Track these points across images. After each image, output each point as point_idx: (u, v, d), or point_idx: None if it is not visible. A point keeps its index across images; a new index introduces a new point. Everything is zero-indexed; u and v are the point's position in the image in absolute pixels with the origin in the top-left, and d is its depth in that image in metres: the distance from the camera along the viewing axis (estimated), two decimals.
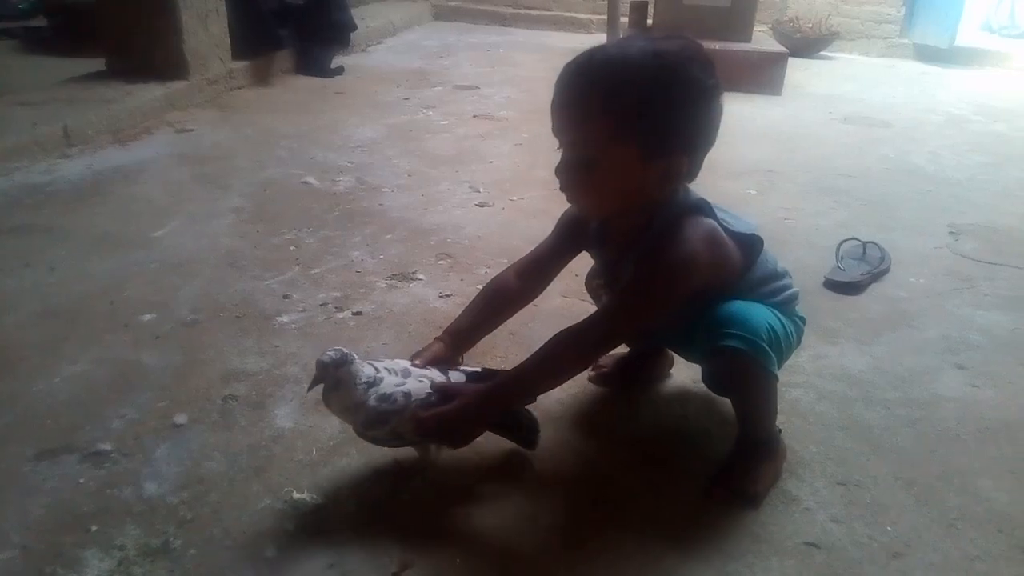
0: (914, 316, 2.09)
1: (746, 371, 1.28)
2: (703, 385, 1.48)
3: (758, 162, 3.39)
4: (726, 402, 1.50)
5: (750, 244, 1.33)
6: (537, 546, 1.26)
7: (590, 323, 1.26)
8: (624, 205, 1.27)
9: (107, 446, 1.43)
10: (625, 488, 1.39)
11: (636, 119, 1.15)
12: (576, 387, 1.65)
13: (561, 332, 1.27)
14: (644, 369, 1.70)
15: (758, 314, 1.28)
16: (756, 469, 1.39)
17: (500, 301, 1.46)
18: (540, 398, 1.40)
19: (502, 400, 1.30)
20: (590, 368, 1.65)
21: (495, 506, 1.34)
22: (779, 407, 1.41)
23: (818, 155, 3.58)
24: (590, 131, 1.18)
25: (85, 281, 2.02)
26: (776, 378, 1.33)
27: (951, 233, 2.68)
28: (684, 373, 1.71)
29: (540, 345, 1.28)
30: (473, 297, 1.49)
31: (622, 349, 1.68)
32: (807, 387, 1.74)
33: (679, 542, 1.28)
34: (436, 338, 1.43)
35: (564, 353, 1.26)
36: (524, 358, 1.30)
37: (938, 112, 4.66)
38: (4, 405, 1.52)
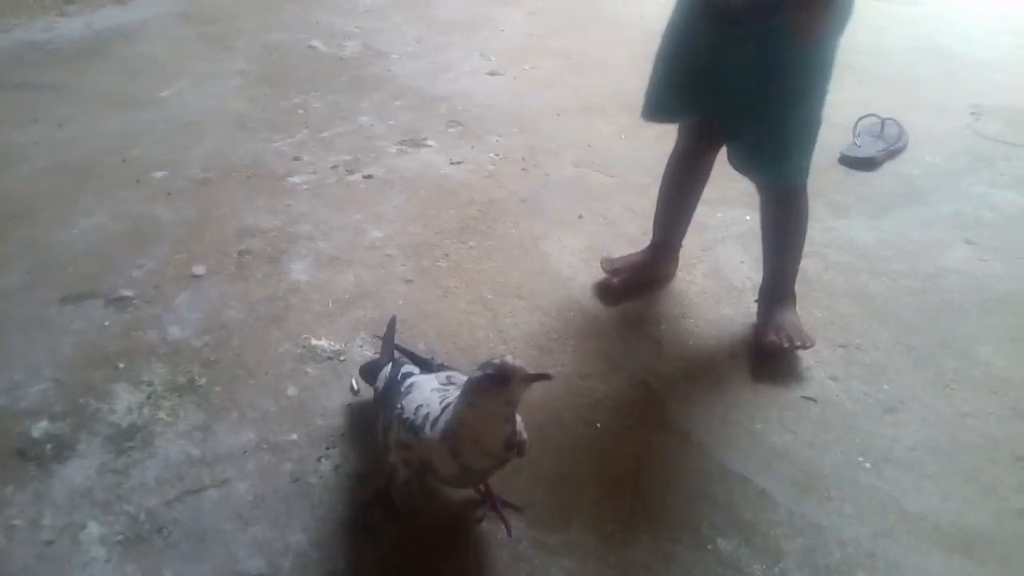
0: (927, 193, 2.08)
1: (801, 204, 1.43)
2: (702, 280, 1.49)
3: None
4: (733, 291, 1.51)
5: None
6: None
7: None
8: None
9: (129, 292, 1.47)
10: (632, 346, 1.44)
11: None
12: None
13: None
14: (656, 270, 1.65)
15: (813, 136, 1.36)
16: (786, 321, 1.44)
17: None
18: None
19: None
20: (608, 273, 1.61)
21: None
22: None
23: None
24: None
25: (95, 138, 2.01)
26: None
27: (972, 113, 2.62)
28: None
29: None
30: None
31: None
32: (816, 257, 1.75)
33: (681, 395, 1.33)
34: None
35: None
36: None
37: None
38: (26, 252, 1.54)
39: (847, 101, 2.64)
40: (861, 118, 2.33)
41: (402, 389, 1.05)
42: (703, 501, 1.15)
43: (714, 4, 1.26)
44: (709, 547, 1.08)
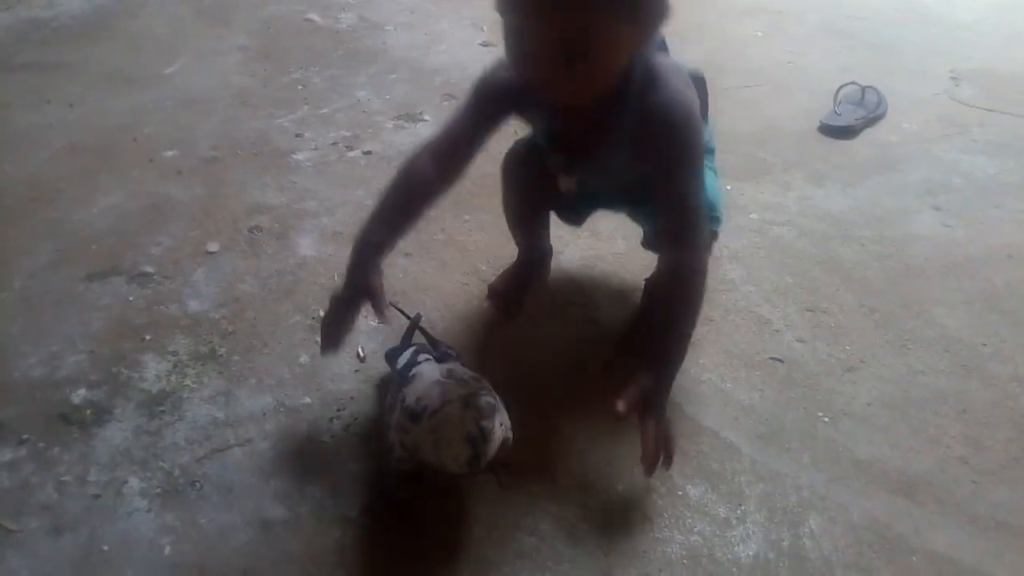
0: (901, 160, 2.18)
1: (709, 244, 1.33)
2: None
3: (766, 1, 3.31)
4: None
5: (702, 85, 1.21)
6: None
7: (690, 268, 1.16)
8: (615, 79, 1.07)
9: (150, 269, 1.58)
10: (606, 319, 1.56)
11: None
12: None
13: (669, 297, 1.19)
14: (535, 277, 1.61)
15: (712, 186, 1.29)
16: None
17: (418, 197, 1.16)
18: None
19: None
20: (489, 291, 1.57)
21: None
22: (763, 242, 1.52)
23: None
24: (598, 19, 0.96)
25: (105, 117, 2.10)
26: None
27: (952, 78, 2.69)
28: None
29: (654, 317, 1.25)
30: (387, 184, 1.17)
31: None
32: (790, 225, 1.86)
33: None
34: (357, 263, 1.12)
35: (693, 311, 1.18)
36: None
37: None
38: (52, 232, 1.66)
39: (829, 68, 2.73)
40: (842, 86, 2.41)
41: (409, 375, 1.12)
42: (676, 453, 1.28)
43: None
44: (679, 493, 1.22)
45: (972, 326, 1.58)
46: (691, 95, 1.12)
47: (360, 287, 1.11)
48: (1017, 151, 2.21)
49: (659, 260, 1.40)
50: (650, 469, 1.13)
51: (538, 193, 1.40)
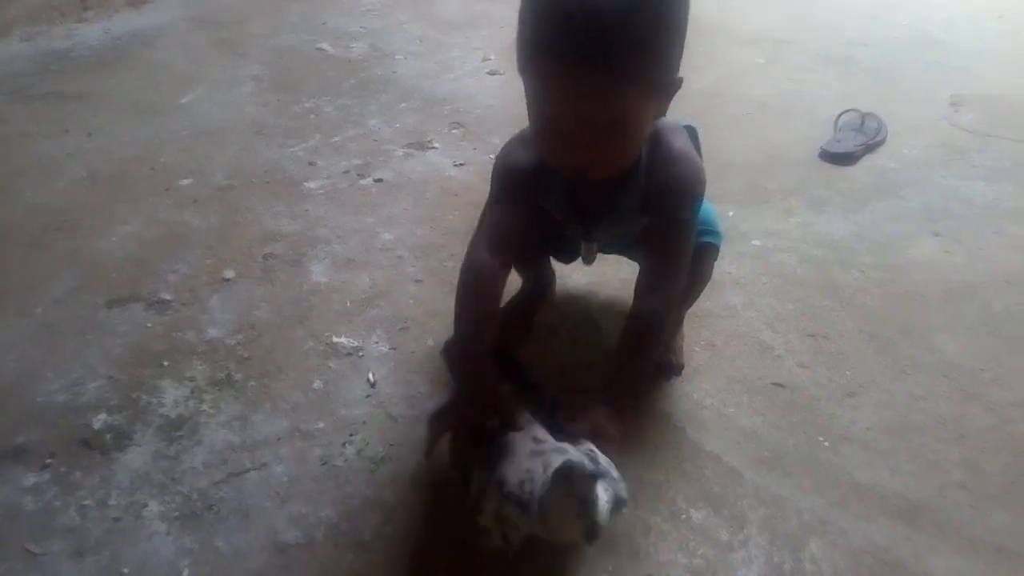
0: (901, 186, 2.21)
1: (710, 259, 1.39)
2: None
3: (769, 29, 3.37)
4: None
5: (694, 135, 1.28)
6: None
7: (659, 314, 1.18)
8: (639, 148, 1.12)
9: (168, 296, 1.63)
10: None
11: (663, 62, 1.02)
12: None
13: (646, 317, 1.19)
14: (542, 302, 1.65)
15: (708, 207, 1.33)
16: (674, 342, 1.53)
17: (494, 299, 1.19)
18: None
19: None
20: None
21: None
22: (765, 268, 1.56)
23: (831, 22, 3.54)
24: (630, 98, 0.98)
25: (123, 147, 2.16)
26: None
27: (952, 104, 2.74)
28: None
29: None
30: (460, 290, 1.17)
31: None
32: (791, 251, 1.90)
33: (663, 385, 1.49)
34: (472, 380, 1.11)
35: (652, 350, 1.21)
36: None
37: None
38: (73, 260, 1.71)
39: (830, 95, 2.78)
40: (842, 113, 2.46)
41: (495, 448, 1.03)
42: (679, 477, 1.31)
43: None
44: (683, 517, 1.25)
45: (971, 351, 1.61)
46: (694, 155, 1.18)
47: (488, 401, 1.09)
48: (1016, 176, 2.25)
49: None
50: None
51: (539, 246, 1.46)
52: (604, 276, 1.77)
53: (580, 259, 1.47)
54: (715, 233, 1.38)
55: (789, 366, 1.55)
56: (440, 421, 1.15)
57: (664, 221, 1.17)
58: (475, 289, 1.15)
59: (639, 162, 1.14)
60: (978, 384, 1.52)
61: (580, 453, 0.99)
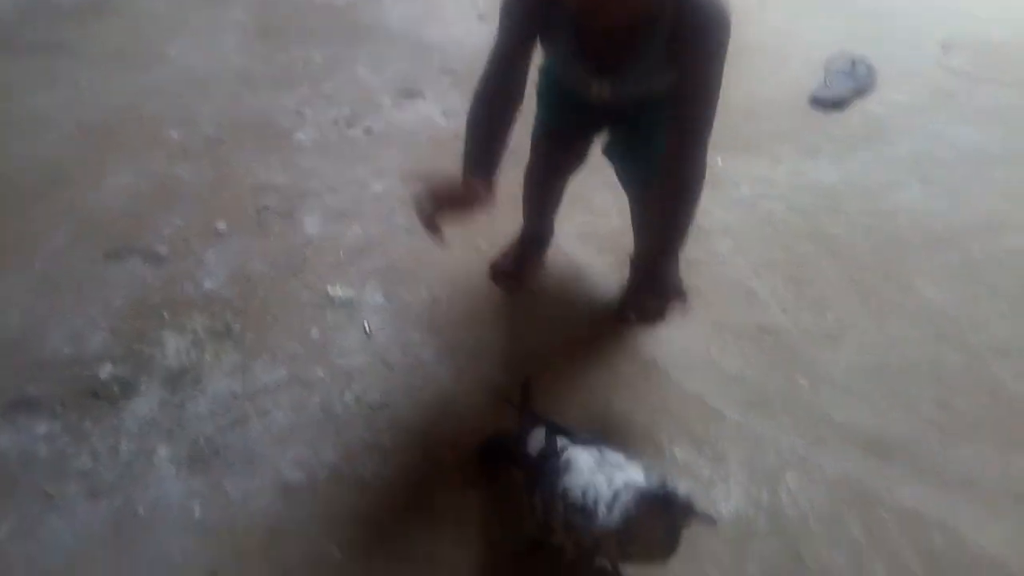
0: (890, 132, 2.22)
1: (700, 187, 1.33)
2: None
3: None
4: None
5: None
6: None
7: (692, 159, 1.19)
8: None
9: (163, 249, 1.66)
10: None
11: None
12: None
13: (666, 192, 1.22)
14: (536, 254, 1.67)
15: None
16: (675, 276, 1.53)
17: (504, 122, 1.24)
18: None
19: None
20: (491, 269, 1.64)
21: None
22: (753, 215, 1.58)
23: None
24: None
25: (111, 98, 2.15)
26: None
27: (943, 47, 2.72)
28: None
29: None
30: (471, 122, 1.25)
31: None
32: (781, 199, 1.92)
33: (650, 331, 1.53)
34: (470, 180, 1.17)
35: (692, 196, 1.24)
36: None
37: None
38: (68, 213, 1.73)
39: (820, 39, 2.75)
40: (832, 57, 2.45)
41: (559, 464, 1.04)
42: (664, 418, 1.37)
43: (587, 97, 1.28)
44: (667, 455, 1.31)
45: (950, 296, 1.66)
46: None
47: (477, 182, 1.13)
48: (1004, 121, 2.26)
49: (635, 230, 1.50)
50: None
51: (563, 155, 1.47)
52: (595, 227, 1.79)
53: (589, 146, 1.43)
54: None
55: (773, 311, 1.60)
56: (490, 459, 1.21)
57: (691, 60, 1.15)
58: (481, 114, 1.23)
59: (663, 13, 1.12)
60: (955, 327, 1.58)
61: (653, 477, 1.01)
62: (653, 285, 1.37)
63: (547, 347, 1.50)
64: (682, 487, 0.96)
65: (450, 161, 1.96)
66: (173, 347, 1.45)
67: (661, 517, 0.95)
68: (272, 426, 1.33)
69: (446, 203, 1.12)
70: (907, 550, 1.19)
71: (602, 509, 0.97)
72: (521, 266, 1.64)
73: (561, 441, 1.10)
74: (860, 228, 1.84)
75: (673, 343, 1.52)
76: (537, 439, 1.12)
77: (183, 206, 1.79)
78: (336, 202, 1.83)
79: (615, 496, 0.97)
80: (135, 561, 1.15)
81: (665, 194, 1.25)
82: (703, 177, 1.22)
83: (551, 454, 1.07)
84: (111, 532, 1.17)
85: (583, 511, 0.98)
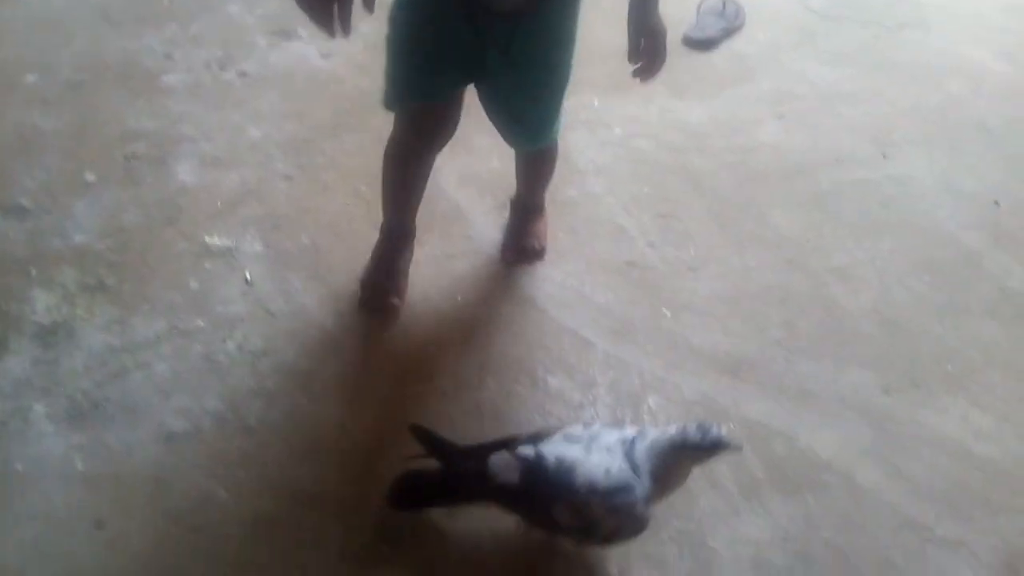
0: (754, 71, 2.35)
1: (555, 154, 1.53)
2: None
3: None
4: None
5: None
6: None
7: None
8: None
9: (26, 202, 1.59)
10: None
11: None
12: None
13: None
14: (407, 256, 1.58)
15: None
16: (538, 228, 1.65)
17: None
18: None
19: None
20: (361, 292, 1.52)
21: None
22: (625, 154, 1.65)
23: None
24: None
25: None
26: None
27: None
28: None
29: None
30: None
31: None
32: (651, 137, 2.02)
33: (528, 270, 1.61)
34: None
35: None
36: None
37: None
38: None
39: None
40: None
41: (558, 468, 1.05)
42: (540, 351, 1.47)
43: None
44: (541, 385, 1.41)
45: (799, 225, 1.81)
46: None
47: None
48: (856, 60, 2.42)
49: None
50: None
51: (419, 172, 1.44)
52: (475, 168, 1.83)
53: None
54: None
55: (640, 246, 1.71)
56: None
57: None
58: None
59: None
60: (802, 253, 1.74)
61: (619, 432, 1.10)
62: (532, 226, 1.43)
63: (429, 289, 1.55)
64: (714, 428, 1.04)
65: (330, 104, 1.97)
66: (43, 303, 1.42)
67: (691, 458, 1.06)
68: (153, 377, 1.34)
69: None
70: (752, 457, 1.34)
71: (633, 477, 1.02)
72: (395, 276, 1.50)
73: (531, 449, 1.08)
74: (724, 164, 1.97)
75: (550, 281, 1.60)
76: (507, 465, 1.07)
77: (45, 157, 1.70)
78: (211, 149, 1.79)
79: (630, 459, 1.04)
80: (18, 516, 1.16)
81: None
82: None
83: (538, 467, 1.06)
84: None
85: (621, 489, 1.02)
